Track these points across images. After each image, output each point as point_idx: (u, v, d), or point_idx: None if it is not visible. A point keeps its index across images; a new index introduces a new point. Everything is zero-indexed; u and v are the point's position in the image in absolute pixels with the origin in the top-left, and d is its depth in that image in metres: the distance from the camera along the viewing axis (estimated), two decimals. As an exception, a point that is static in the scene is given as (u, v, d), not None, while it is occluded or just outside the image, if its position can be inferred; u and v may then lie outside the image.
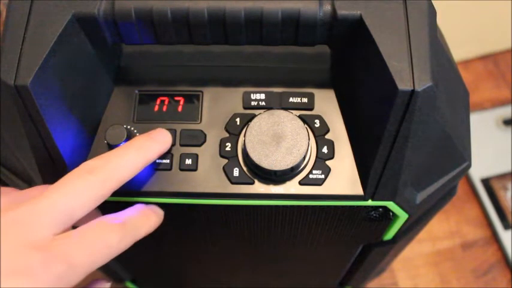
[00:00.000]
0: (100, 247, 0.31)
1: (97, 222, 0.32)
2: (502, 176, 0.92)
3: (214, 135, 0.39)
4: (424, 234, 0.82)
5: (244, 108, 0.40)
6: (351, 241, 0.48)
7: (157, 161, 0.39)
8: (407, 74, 0.33)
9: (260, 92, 0.40)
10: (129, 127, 0.39)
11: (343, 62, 0.39)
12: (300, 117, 0.39)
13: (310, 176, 0.38)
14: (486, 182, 0.91)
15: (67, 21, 0.34)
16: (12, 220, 0.30)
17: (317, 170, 0.38)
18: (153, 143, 0.36)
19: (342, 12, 0.35)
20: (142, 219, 0.35)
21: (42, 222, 0.30)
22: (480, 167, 0.92)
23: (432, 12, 0.36)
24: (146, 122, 0.40)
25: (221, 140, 0.39)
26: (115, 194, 0.34)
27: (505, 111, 0.98)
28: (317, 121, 0.39)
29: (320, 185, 0.38)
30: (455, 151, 0.41)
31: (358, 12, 0.35)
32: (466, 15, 0.91)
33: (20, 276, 0.28)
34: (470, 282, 0.85)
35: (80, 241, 0.31)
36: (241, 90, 0.40)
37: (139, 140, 0.36)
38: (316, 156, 0.39)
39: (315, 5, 0.35)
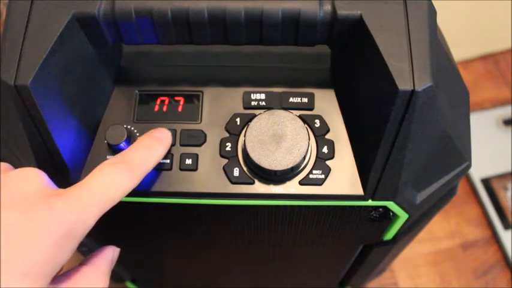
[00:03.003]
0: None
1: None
2: (502, 176, 0.92)
3: (215, 135, 0.39)
4: (424, 234, 0.83)
5: (245, 108, 0.40)
6: (351, 241, 0.48)
7: (157, 161, 0.39)
8: (408, 74, 0.33)
9: (260, 92, 0.40)
10: (129, 127, 0.39)
11: (343, 61, 0.39)
12: (300, 117, 0.39)
13: (311, 176, 0.38)
14: (486, 182, 0.91)
15: (67, 21, 0.34)
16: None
17: (317, 170, 0.38)
18: (158, 142, 0.37)
19: (342, 12, 0.35)
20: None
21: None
22: (480, 167, 0.92)
23: (432, 12, 0.36)
24: (146, 122, 0.40)
25: (221, 140, 0.39)
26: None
27: (505, 111, 0.98)
28: (317, 121, 0.39)
29: (320, 185, 0.38)
30: (455, 151, 0.41)
31: (358, 12, 0.35)
32: (466, 15, 0.91)
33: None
34: (470, 282, 0.85)
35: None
36: (241, 90, 0.40)
37: (145, 140, 0.36)
38: (316, 156, 0.39)
39: (315, 5, 0.35)
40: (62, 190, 0.30)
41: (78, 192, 0.30)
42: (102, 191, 0.31)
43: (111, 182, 0.32)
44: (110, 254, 0.35)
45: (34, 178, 0.31)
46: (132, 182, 0.33)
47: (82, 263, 0.34)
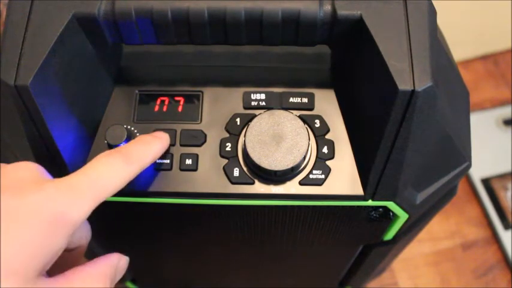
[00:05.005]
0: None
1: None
2: (502, 176, 0.92)
3: (215, 135, 0.39)
4: (424, 234, 0.82)
5: (245, 108, 0.40)
6: (351, 241, 0.48)
7: (157, 161, 0.39)
8: (408, 74, 0.33)
9: (260, 92, 0.40)
10: (129, 127, 0.39)
11: (343, 62, 0.39)
12: (300, 117, 0.39)
13: (311, 176, 0.38)
14: (486, 182, 0.91)
15: (67, 21, 0.34)
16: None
17: (317, 170, 0.38)
18: (155, 139, 0.37)
19: (342, 12, 0.35)
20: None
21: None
22: (480, 167, 0.92)
23: (432, 12, 0.36)
24: (146, 122, 0.40)
25: (221, 140, 0.39)
26: (116, 194, 0.34)
27: (505, 111, 0.98)
28: (317, 121, 0.39)
29: (320, 185, 0.38)
30: (455, 151, 0.41)
31: (359, 12, 0.35)
32: (466, 15, 0.91)
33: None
34: (471, 282, 0.85)
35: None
36: (242, 90, 0.40)
37: (143, 136, 0.36)
38: (317, 156, 0.39)
39: (315, 5, 0.35)
40: (56, 178, 0.30)
41: (71, 178, 0.30)
42: (96, 177, 0.31)
43: (106, 169, 0.32)
44: (114, 259, 0.35)
45: (29, 168, 0.31)
46: (127, 171, 0.33)
47: (84, 264, 0.34)
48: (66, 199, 0.29)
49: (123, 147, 0.34)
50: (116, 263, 0.35)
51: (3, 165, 0.31)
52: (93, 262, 0.34)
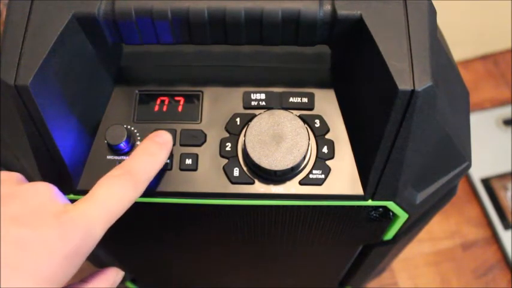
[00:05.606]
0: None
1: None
2: (502, 176, 0.92)
3: (215, 135, 0.39)
4: (424, 234, 0.82)
5: (245, 108, 0.40)
6: (351, 241, 0.48)
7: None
8: (408, 74, 0.33)
9: (260, 92, 0.40)
10: (129, 127, 0.39)
11: (343, 62, 0.39)
12: (300, 117, 0.39)
13: (310, 175, 0.38)
14: (486, 182, 0.91)
15: (67, 21, 0.34)
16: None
17: (317, 169, 0.38)
18: (160, 148, 0.36)
19: (342, 12, 0.35)
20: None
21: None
22: (480, 167, 0.92)
23: (432, 12, 0.36)
24: (146, 122, 0.40)
25: (221, 140, 0.39)
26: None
27: (505, 111, 0.98)
28: (317, 121, 0.39)
29: (320, 185, 0.38)
30: (455, 151, 0.41)
31: (358, 12, 0.35)
32: (466, 15, 0.91)
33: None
34: (470, 282, 0.85)
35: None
36: (242, 90, 0.40)
37: (148, 146, 0.36)
38: (316, 156, 0.39)
39: (315, 5, 0.35)
40: (70, 206, 0.31)
41: (85, 208, 0.31)
42: (107, 205, 0.31)
43: (116, 195, 0.32)
44: (111, 276, 0.35)
45: (46, 194, 0.31)
46: (136, 192, 0.33)
47: (83, 280, 0.34)
48: (83, 233, 0.30)
49: (130, 164, 0.34)
50: (113, 280, 0.35)
51: (18, 187, 0.31)
52: (91, 280, 0.34)
